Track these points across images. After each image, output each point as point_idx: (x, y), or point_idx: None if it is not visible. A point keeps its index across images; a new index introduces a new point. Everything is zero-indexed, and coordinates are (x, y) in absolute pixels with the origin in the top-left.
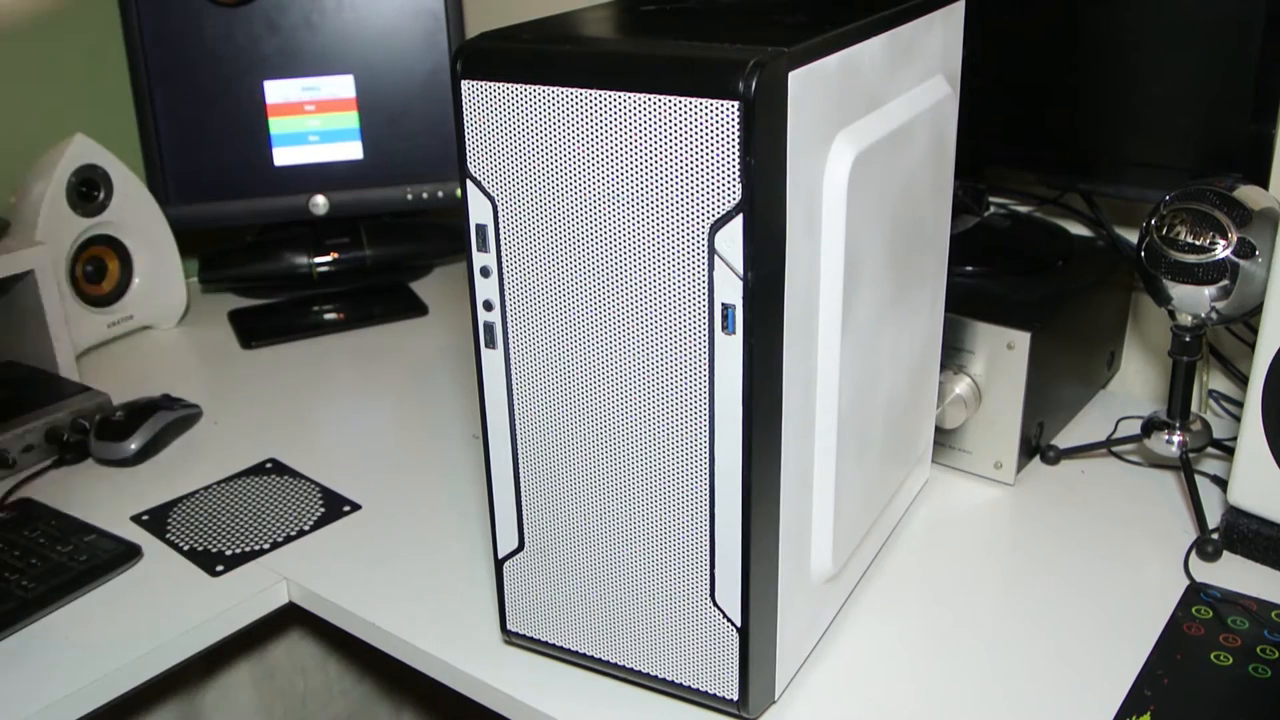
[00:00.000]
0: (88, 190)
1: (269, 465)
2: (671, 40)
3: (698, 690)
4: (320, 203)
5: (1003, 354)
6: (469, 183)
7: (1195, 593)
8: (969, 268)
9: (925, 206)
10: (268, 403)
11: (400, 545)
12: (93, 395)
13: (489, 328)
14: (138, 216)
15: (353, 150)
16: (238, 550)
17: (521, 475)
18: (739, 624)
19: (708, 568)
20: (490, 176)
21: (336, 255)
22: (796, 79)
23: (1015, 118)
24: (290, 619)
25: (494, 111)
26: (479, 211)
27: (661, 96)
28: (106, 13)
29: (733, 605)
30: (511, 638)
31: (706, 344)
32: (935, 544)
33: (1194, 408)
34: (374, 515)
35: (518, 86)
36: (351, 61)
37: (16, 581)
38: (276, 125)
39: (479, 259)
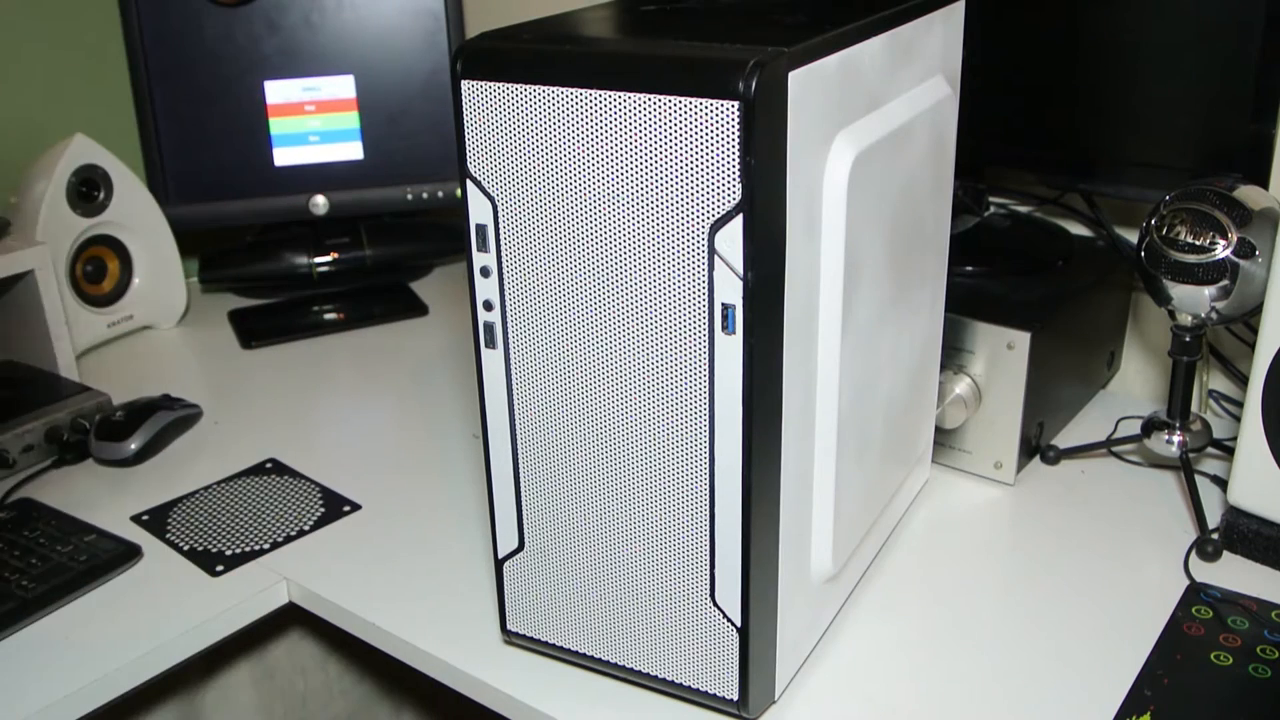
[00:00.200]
0: (88, 190)
1: (269, 465)
2: (671, 40)
3: (698, 690)
4: (320, 203)
5: (1003, 354)
6: (469, 183)
7: (1195, 593)
8: (969, 268)
9: (925, 206)
10: (268, 403)
11: (400, 545)
12: (93, 395)
13: (489, 328)
14: (138, 216)
15: (353, 150)
16: (238, 550)
17: (521, 475)
18: (739, 624)
19: (708, 568)
20: (490, 176)
21: (336, 255)
22: (796, 79)
23: (1015, 118)
24: (290, 619)
25: (494, 111)
26: (479, 211)
27: (661, 96)
28: (106, 13)
29: (733, 605)
30: (511, 638)
31: (706, 344)
32: (935, 544)
33: (1194, 408)
34: (374, 515)
35: (518, 86)
36: (351, 61)
37: (16, 581)
38: (277, 125)
39: (479, 259)
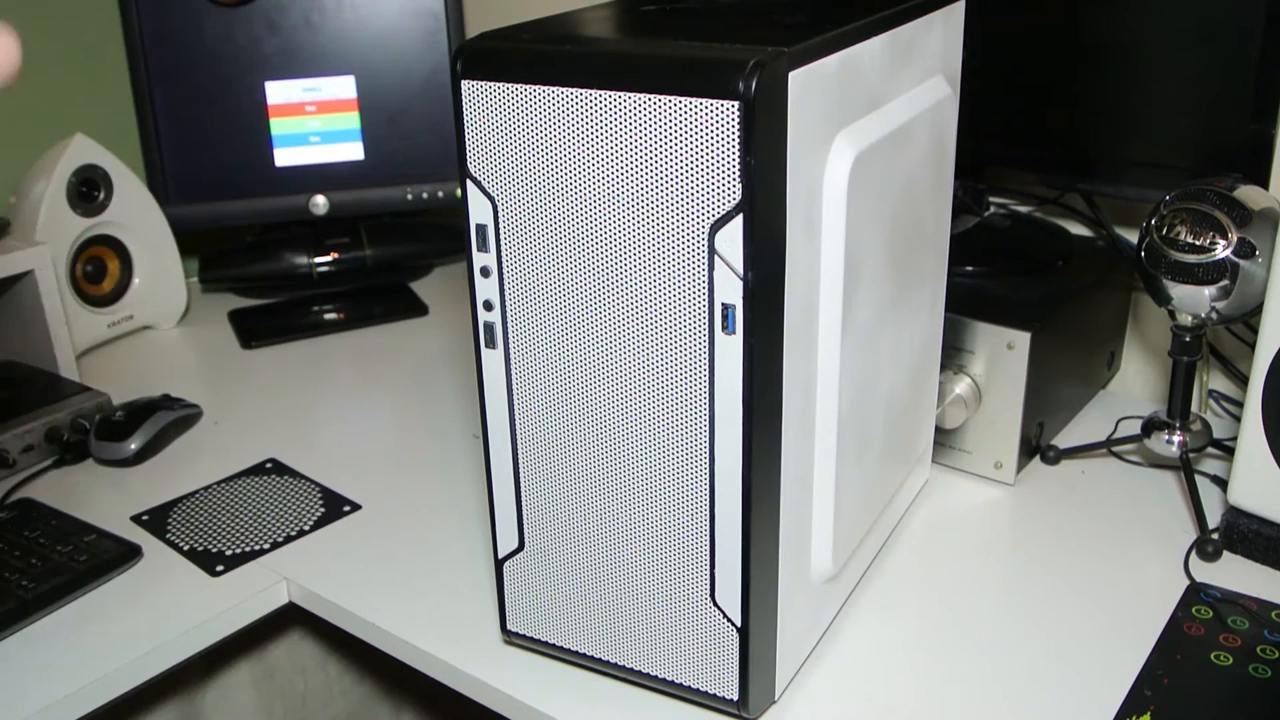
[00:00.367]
0: (88, 190)
1: (269, 465)
2: (671, 40)
3: (698, 690)
4: (320, 203)
5: (1003, 354)
6: (469, 183)
7: (1195, 593)
8: (969, 268)
9: (925, 206)
10: (268, 403)
11: (400, 545)
12: (93, 395)
13: (489, 328)
14: (138, 216)
15: (353, 151)
16: (238, 550)
17: (521, 475)
18: (739, 624)
19: (708, 568)
20: (490, 176)
21: (336, 255)
22: (796, 79)
23: (1015, 118)
24: (290, 619)
25: (494, 111)
26: (479, 211)
27: (662, 96)
28: (106, 13)
29: (733, 605)
30: (511, 638)
31: (706, 344)
32: (935, 544)
33: (1194, 408)
34: (374, 515)
35: (518, 86)
36: (351, 61)
37: (16, 581)
38: (278, 126)
39: (479, 259)
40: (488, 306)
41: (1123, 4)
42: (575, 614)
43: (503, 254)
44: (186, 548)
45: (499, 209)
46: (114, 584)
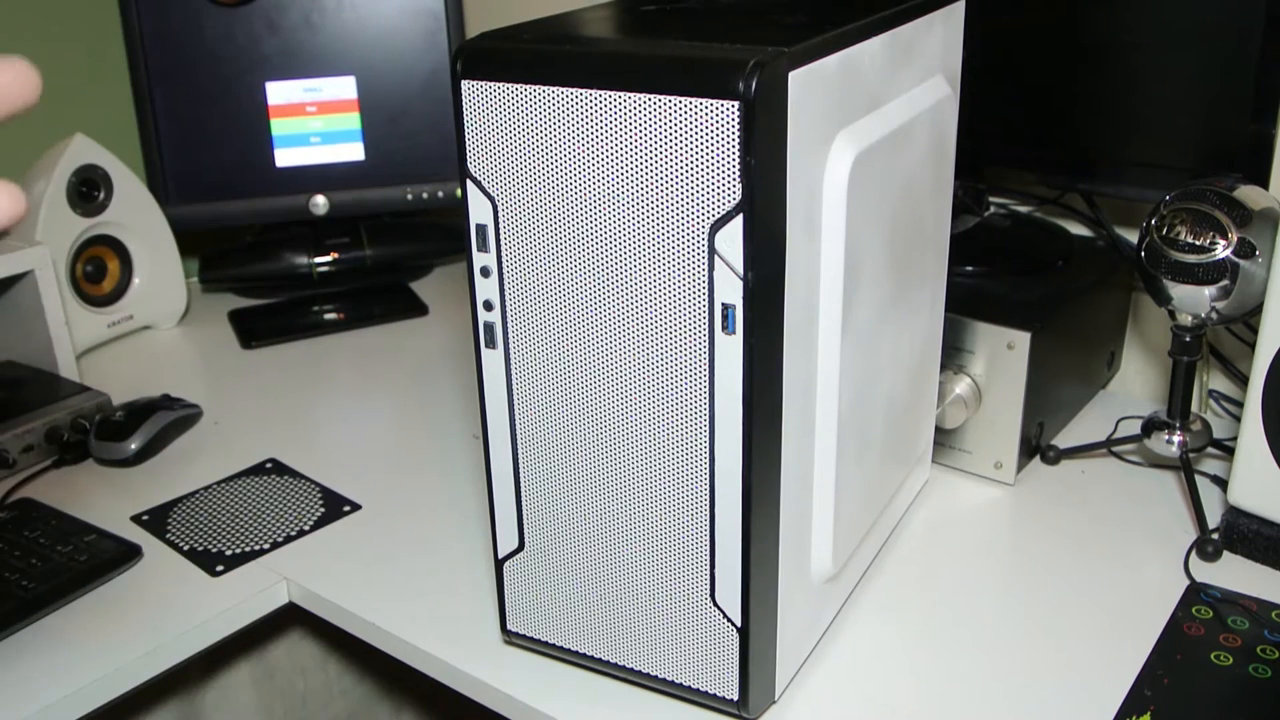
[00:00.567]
0: (88, 190)
1: (269, 465)
2: (671, 40)
3: (698, 690)
4: (320, 203)
5: (1003, 354)
6: (469, 183)
7: (1195, 593)
8: (969, 268)
9: (925, 206)
10: (268, 403)
11: (400, 545)
12: (93, 395)
13: (489, 328)
14: (138, 216)
15: (354, 151)
16: (238, 550)
17: (521, 475)
18: (739, 624)
19: (708, 568)
20: (490, 176)
21: (336, 255)
22: (796, 79)
23: (1015, 118)
24: (290, 619)
25: (494, 111)
26: (479, 211)
27: (662, 96)
28: (106, 13)
29: (733, 605)
30: (511, 638)
31: (706, 344)
32: (935, 544)
33: (1194, 408)
34: (374, 515)
35: (518, 86)
36: (352, 61)
37: (16, 581)
38: (278, 127)
39: (479, 259)
40: (488, 306)
41: (1123, 4)
42: (575, 614)
43: (503, 254)
44: (186, 548)
45: (499, 209)
46: (114, 584)
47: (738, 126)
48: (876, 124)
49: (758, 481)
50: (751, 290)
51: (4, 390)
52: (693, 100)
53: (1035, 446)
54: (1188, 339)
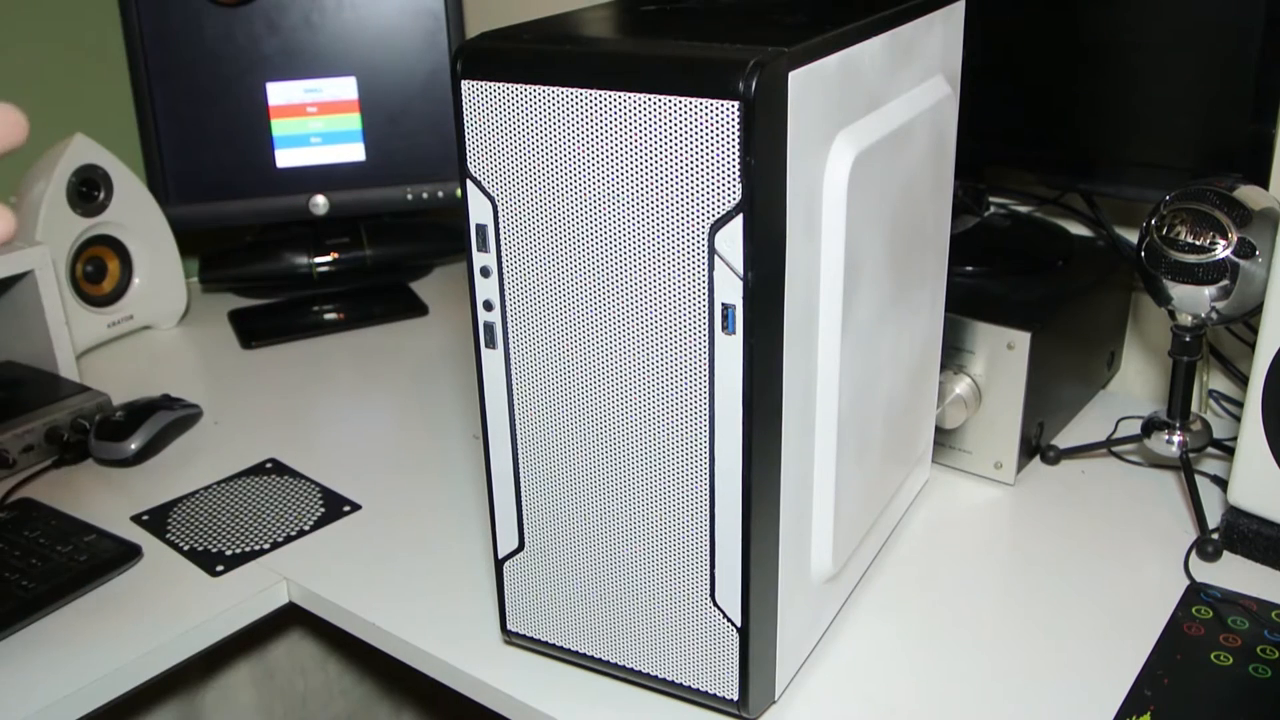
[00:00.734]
0: (88, 190)
1: (269, 465)
2: (671, 40)
3: (698, 690)
4: (320, 203)
5: (1003, 354)
6: (469, 183)
7: (1195, 593)
8: (969, 268)
9: (925, 206)
10: (268, 403)
11: (400, 545)
12: (93, 395)
13: (489, 328)
14: (138, 216)
15: (355, 152)
16: (238, 550)
17: (521, 475)
18: (739, 624)
19: (708, 568)
20: (490, 176)
21: (336, 255)
22: (796, 79)
23: (1015, 118)
24: (290, 619)
25: (494, 111)
26: (479, 211)
27: (661, 96)
28: (106, 13)
29: (733, 605)
30: (511, 638)
31: (706, 344)
32: (935, 544)
33: (1194, 408)
34: (374, 515)
35: (518, 86)
36: (352, 62)
37: (16, 581)
38: (279, 127)
39: (479, 259)
40: (488, 306)
41: (1123, 4)
42: (575, 614)
43: (503, 254)
44: (186, 548)
45: (499, 209)
46: (114, 584)
47: (738, 126)
48: (876, 124)
49: (758, 481)
50: (751, 290)
51: (4, 390)
52: (693, 100)
53: (1035, 446)
54: (1188, 339)
